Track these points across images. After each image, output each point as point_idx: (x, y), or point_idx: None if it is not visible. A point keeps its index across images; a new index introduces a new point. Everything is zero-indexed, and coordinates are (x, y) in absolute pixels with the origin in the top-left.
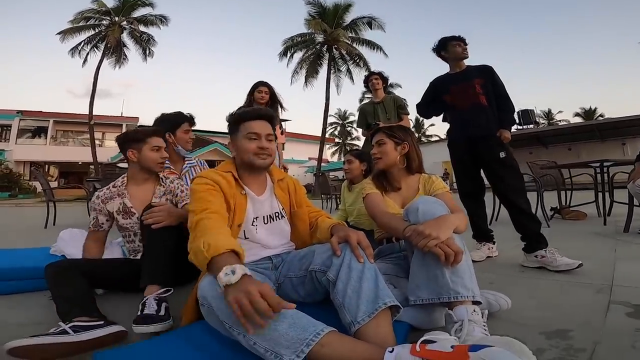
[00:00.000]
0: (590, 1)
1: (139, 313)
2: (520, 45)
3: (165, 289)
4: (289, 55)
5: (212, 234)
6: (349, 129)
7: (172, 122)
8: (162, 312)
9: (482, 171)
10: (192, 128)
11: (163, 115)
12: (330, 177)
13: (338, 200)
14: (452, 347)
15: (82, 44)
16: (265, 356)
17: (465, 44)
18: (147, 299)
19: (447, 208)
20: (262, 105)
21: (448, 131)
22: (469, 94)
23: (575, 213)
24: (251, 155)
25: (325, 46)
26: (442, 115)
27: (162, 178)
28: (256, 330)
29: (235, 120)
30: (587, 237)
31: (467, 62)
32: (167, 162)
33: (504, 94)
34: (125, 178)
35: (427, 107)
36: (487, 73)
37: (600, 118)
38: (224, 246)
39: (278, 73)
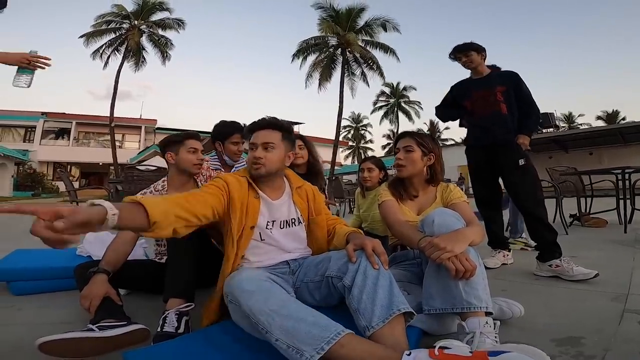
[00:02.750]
0: (614, 1)
1: (158, 329)
2: (541, 46)
3: (186, 304)
4: (301, 58)
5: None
6: (362, 132)
7: (224, 132)
8: (182, 329)
9: (499, 179)
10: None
11: (221, 122)
12: (344, 180)
13: (351, 204)
14: (470, 352)
15: (104, 47)
16: (287, 352)
17: (467, 55)
18: (168, 314)
19: (463, 221)
20: (301, 165)
21: (466, 137)
22: (489, 102)
23: (595, 220)
24: (250, 165)
25: (339, 49)
26: (458, 121)
27: (199, 186)
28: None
29: (249, 129)
30: (606, 244)
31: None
32: (218, 165)
33: (529, 100)
34: (166, 182)
35: (445, 110)
36: (510, 80)
37: (623, 121)
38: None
39: (293, 76)
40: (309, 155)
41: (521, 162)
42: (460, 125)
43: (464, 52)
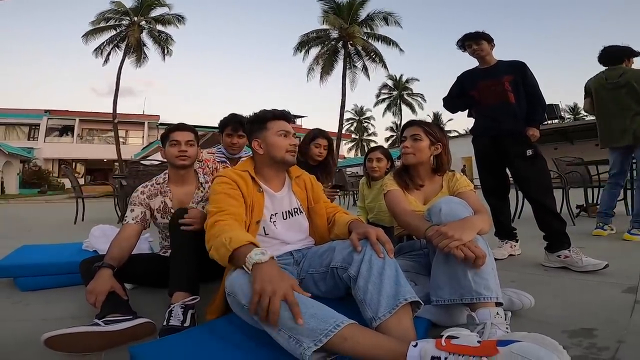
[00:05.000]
0: None
1: (164, 323)
2: (546, 36)
3: (192, 297)
4: (303, 51)
5: (230, 230)
6: (365, 124)
7: (220, 125)
8: (188, 322)
9: (506, 168)
10: (238, 132)
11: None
12: (348, 173)
13: (355, 196)
14: (478, 342)
15: (104, 44)
16: (288, 342)
17: (478, 43)
18: (173, 307)
19: (470, 209)
20: (318, 162)
21: (473, 127)
22: (496, 91)
23: None
24: (284, 152)
25: (341, 42)
26: (467, 111)
27: (202, 183)
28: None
29: (262, 119)
30: (614, 235)
31: (498, 56)
32: (224, 158)
33: (535, 91)
34: (167, 176)
35: (453, 101)
36: (518, 70)
37: None
38: (245, 239)
39: (295, 69)
40: (327, 155)
41: (529, 152)
42: (469, 115)
43: (475, 40)
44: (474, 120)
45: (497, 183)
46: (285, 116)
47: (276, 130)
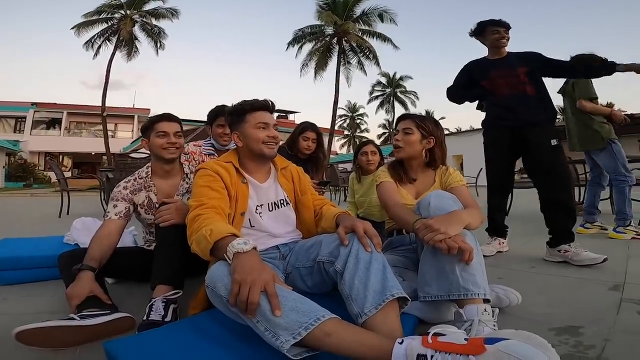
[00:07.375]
0: None
1: (144, 317)
2: (537, 34)
3: (174, 291)
4: (297, 46)
5: (211, 223)
6: (358, 121)
7: (210, 115)
8: (169, 317)
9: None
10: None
11: (215, 106)
12: (339, 169)
13: (346, 192)
14: (465, 339)
15: (95, 37)
16: (264, 335)
17: (507, 31)
18: (154, 301)
19: (460, 204)
20: (307, 155)
21: (486, 119)
22: (511, 82)
23: None
24: (261, 144)
25: (335, 38)
26: (476, 103)
27: (187, 173)
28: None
29: (240, 111)
30: (600, 233)
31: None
32: (212, 150)
33: (563, 63)
34: (150, 169)
35: (460, 90)
36: (533, 61)
37: None
38: (226, 230)
39: (289, 64)
40: (317, 149)
41: (554, 142)
42: (478, 107)
43: (508, 28)
44: (485, 112)
45: (507, 178)
46: (265, 106)
47: (254, 123)
